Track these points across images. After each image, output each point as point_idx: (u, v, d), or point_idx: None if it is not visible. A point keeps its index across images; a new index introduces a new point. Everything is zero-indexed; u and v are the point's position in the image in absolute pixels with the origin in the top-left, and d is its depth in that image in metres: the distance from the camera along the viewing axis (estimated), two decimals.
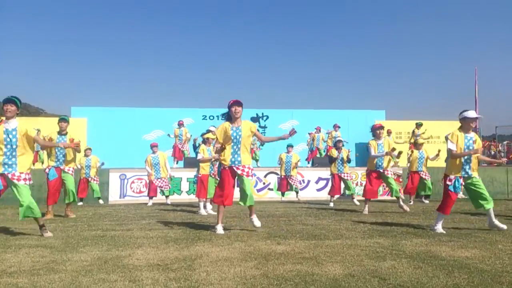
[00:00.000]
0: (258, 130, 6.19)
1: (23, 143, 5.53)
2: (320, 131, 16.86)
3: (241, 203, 5.97)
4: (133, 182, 13.43)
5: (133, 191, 13.37)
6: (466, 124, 5.96)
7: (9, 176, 5.50)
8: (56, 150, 8.14)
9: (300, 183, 13.51)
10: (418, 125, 16.18)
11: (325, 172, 14.16)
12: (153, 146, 12.12)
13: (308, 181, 13.82)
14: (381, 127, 8.79)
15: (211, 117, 18.38)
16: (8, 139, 5.45)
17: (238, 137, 5.87)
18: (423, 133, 15.98)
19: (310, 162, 16.55)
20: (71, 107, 17.87)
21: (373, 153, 8.52)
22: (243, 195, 5.92)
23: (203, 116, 18.16)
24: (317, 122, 17.99)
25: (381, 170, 8.58)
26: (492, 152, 21.15)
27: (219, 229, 5.86)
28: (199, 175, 8.89)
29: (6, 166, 5.49)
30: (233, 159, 5.89)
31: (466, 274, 3.44)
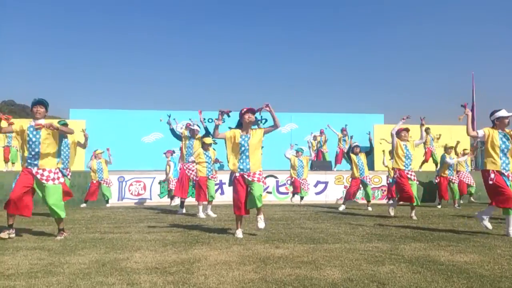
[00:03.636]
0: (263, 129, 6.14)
1: (47, 140, 5.60)
2: (323, 133, 16.90)
3: (250, 207, 5.94)
4: (131, 184, 13.42)
5: (132, 194, 13.36)
6: (502, 124, 5.99)
7: (38, 176, 5.57)
8: (62, 151, 8.31)
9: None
10: (427, 131, 15.08)
11: (323, 176, 14.17)
12: (166, 152, 12.88)
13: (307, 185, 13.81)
14: (406, 130, 8.54)
15: (210, 120, 18.35)
16: (31, 135, 5.54)
17: (246, 144, 5.88)
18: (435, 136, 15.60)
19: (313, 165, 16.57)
20: (70, 109, 17.83)
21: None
22: (252, 198, 5.86)
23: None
24: (316, 125, 17.97)
25: (407, 172, 8.32)
26: None
27: (238, 234, 5.86)
28: (197, 178, 8.91)
29: (33, 165, 5.57)
30: (241, 167, 5.90)
31: (465, 279, 3.43)
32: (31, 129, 5.57)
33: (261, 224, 5.95)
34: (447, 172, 11.66)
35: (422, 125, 8.50)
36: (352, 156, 11.06)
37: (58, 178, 5.70)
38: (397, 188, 8.68)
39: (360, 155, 11.04)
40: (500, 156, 5.87)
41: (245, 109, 5.97)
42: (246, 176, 5.89)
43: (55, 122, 5.80)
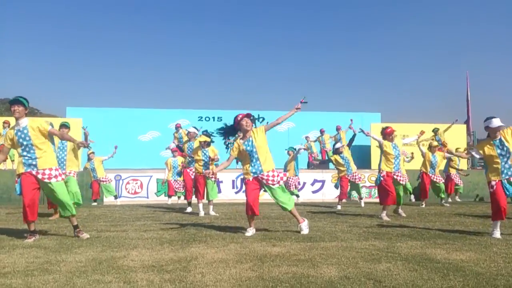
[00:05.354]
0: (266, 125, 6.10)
1: (38, 140, 5.39)
2: (324, 132, 16.94)
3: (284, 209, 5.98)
4: (128, 183, 13.43)
5: (128, 192, 13.36)
6: (492, 133, 5.84)
7: (39, 176, 5.38)
8: (58, 153, 8.15)
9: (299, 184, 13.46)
10: (436, 131, 15.33)
11: (320, 174, 14.20)
12: (174, 151, 12.72)
13: (304, 183, 13.84)
14: (392, 132, 8.20)
15: (207, 118, 18.36)
16: (21, 140, 5.34)
17: (252, 148, 5.86)
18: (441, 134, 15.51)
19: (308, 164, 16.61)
20: (67, 107, 17.82)
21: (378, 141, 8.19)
22: (279, 203, 5.94)
23: (199, 117, 18.15)
24: (313, 124, 18.02)
25: (396, 175, 8.18)
26: None
27: (248, 232, 5.83)
28: (192, 176, 9.06)
29: (31, 166, 5.37)
30: (254, 170, 5.88)
31: (461, 277, 3.45)
32: (18, 133, 5.35)
33: (305, 230, 5.91)
34: (428, 169, 11.39)
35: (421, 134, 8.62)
36: (335, 157, 10.99)
37: (60, 174, 5.54)
38: (381, 190, 8.24)
39: (344, 152, 10.93)
40: (502, 164, 5.73)
41: (241, 116, 5.90)
42: (261, 179, 5.89)
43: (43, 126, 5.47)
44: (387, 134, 8.16)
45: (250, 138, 5.88)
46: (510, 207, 6.68)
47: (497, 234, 5.68)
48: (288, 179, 12.49)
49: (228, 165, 6.11)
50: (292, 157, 12.35)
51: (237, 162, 15.57)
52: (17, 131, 5.38)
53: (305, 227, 5.94)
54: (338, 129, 16.61)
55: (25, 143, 5.34)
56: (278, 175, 5.94)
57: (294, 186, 12.53)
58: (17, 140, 5.35)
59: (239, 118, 5.89)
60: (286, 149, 12.92)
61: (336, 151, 11.04)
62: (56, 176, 5.47)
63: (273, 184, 5.86)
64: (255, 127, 6.05)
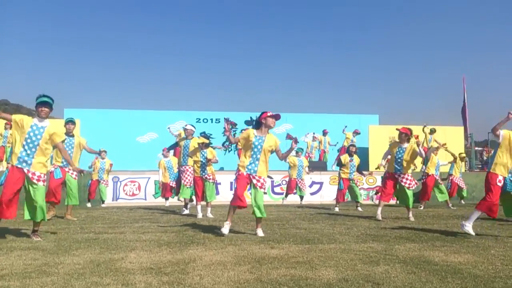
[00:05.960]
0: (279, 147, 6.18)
1: (45, 145, 5.50)
2: (327, 134, 16.94)
3: (253, 213, 6.03)
4: (126, 184, 13.40)
5: (126, 194, 13.33)
6: None
7: (29, 174, 5.42)
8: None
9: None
10: (432, 131, 15.40)
11: (318, 176, 14.20)
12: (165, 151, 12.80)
13: None
14: (406, 131, 8.13)
15: (205, 120, 18.33)
16: (31, 135, 5.39)
17: (259, 146, 5.89)
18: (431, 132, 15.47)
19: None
20: (64, 109, 17.73)
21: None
22: (254, 205, 5.99)
23: (197, 119, 18.12)
24: (310, 126, 17.99)
25: (397, 175, 8.11)
26: (485, 158, 21.30)
27: (225, 227, 5.84)
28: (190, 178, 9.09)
29: (23, 164, 5.40)
30: (249, 167, 5.92)
31: (459, 279, 3.45)
32: (34, 127, 5.41)
33: (260, 234, 5.98)
34: (433, 171, 11.37)
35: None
36: (345, 156, 11.03)
37: (44, 181, 5.60)
38: (382, 186, 8.67)
39: (355, 157, 11.01)
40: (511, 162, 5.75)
41: (270, 113, 5.95)
42: (252, 178, 5.94)
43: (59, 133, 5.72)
44: (401, 131, 8.18)
45: (264, 138, 5.93)
46: (459, 209, 6.75)
47: (471, 229, 5.80)
48: (302, 181, 12.58)
49: (234, 142, 6.28)
50: (305, 167, 12.62)
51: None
52: (33, 125, 5.46)
53: (260, 231, 6.02)
54: (357, 133, 16.67)
55: (33, 138, 5.42)
56: (266, 182, 6.12)
57: (303, 188, 12.76)
58: (27, 132, 5.39)
59: (268, 114, 5.95)
60: (295, 150, 12.93)
61: (347, 150, 11.19)
62: (43, 181, 5.57)
63: (261, 187, 5.98)
64: (275, 137, 6.14)
